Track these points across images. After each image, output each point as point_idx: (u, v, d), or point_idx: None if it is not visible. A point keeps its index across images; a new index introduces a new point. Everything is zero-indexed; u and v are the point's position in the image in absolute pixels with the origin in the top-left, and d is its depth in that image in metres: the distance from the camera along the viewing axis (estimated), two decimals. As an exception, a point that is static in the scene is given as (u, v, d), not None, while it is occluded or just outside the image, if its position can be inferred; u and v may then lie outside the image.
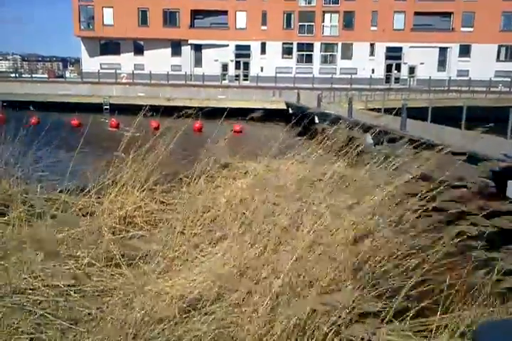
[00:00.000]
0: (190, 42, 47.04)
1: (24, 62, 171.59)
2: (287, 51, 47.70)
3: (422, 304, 3.87)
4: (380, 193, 6.16)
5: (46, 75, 54.03)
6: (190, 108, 9.27)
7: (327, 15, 47.13)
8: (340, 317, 3.76)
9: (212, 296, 3.99)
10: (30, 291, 4.34)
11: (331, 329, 3.61)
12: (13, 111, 9.07)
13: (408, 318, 3.81)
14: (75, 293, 4.44)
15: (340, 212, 5.24)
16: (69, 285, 4.53)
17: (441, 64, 47.04)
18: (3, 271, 4.47)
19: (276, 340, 3.11)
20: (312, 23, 46.87)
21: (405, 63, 47.41)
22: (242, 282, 3.96)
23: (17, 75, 52.72)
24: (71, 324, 3.91)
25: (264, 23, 46.60)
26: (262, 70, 46.52)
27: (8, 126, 8.80)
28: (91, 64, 47.28)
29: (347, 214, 5.06)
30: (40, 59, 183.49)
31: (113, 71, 43.42)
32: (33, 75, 55.33)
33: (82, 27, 47.98)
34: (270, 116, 13.58)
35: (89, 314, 4.11)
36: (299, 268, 3.75)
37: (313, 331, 3.52)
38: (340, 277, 3.78)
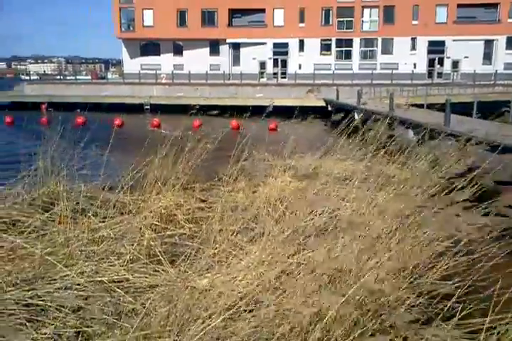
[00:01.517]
0: (228, 41, 47.30)
1: (68, 65, 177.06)
2: (326, 47, 47.25)
3: (471, 305, 3.75)
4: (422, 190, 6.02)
5: (89, 77, 55.52)
6: (228, 107, 9.32)
7: (366, 10, 46.39)
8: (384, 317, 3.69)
9: (253, 295, 3.99)
10: (77, 287, 4.45)
11: (379, 329, 3.54)
12: (57, 112, 9.38)
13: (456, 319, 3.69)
14: (119, 288, 4.54)
15: (382, 210, 5.15)
16: (113, 282, 4.63)
17: (487, 57, 45.46)
18: (51, 267, 4.60)
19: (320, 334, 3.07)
20: (351, 19, 46.24)
21: (448, 57, 46.10)
22: (280, 280, 3.94)
23: (61, 77, 54.41)
24: (116, 319, 4.00)
25: (302, 20, 46.31)
26: (300, 67, 46.28)
27: (53, 127, 9.08)
28: (132, 65, 48.28)
29: (389, 211, 4.96)
30: (83, 61, 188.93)
31: (153, 72, 44.18)
32: (77, 77, 56.98)
33: (122, 29, 49.04)
34: (309, 113, 13.47)
35: (133, 309, 4.19)
36: (337, 265, 3.70)
37: (363, 330, 3.46)
38: (384, 276, 3.70)
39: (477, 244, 4.57)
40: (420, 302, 4.01)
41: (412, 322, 3.76)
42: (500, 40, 44.79)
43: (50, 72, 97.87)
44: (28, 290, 4.22)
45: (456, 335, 3.66)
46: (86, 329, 3.85)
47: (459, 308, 3.72)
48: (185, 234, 6.21)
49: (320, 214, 5.97)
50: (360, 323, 3.41)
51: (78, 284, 4.45)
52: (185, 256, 5.22)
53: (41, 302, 4.12)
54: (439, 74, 45.77)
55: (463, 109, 16.76)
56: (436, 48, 45.67)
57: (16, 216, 6.36)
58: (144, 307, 4.05)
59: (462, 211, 4.84)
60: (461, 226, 3.99)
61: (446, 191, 5.80)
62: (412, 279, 4.23)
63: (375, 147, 8.82)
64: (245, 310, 3.75)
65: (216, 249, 5.36)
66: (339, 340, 3.37)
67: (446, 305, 3.74)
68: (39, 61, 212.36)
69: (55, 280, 4.46)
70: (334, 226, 5.41)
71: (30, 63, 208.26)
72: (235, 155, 8.98)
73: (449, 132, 11.87)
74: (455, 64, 46.03)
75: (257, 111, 10.28)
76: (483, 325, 3.45)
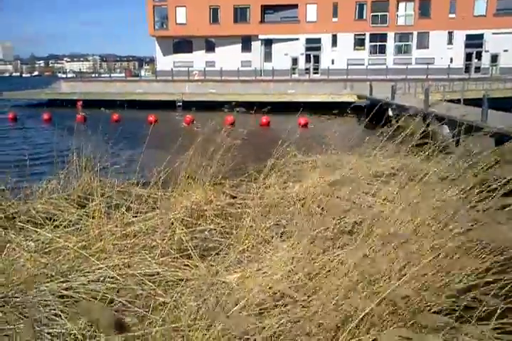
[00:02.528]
0: (260, 37, 47.25)
1: (103, 63, 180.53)
2: (359, 42, 46.64)
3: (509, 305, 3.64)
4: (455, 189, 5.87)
5: (123, 74, 56.47)
6: (259, 103, 9.32)
7: (401, 4, 45.54)
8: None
9: (282, 292, 3.98)
10: (109, 280, 4.54)
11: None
12: (92, 109, 9.62)
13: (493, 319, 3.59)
14: (150, 282, 4.61)
15: (415, 208, 5.05)
16: (144, 275, 4.70)
17: (528, 50, 43.96)
18: (84, 260, 4.71)
19: (349, 335, 3.04)
20: (386, 13, 45.47)
21: (487, 51, 44.77)
22: (310, 277, 3.92)
23: (96, 75, 55.50)
24: (146, 311, 4.06)
25: (335, 14, 45.83)
26: (332, 63, 45.84)
27: (89, 124, 9.28)
28: (165, 62, 48.83)
29: (421, 209, 4.85)
30: (117, 59, 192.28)
31: (186, 69, 44.57)
32: (111, 75, 58.01)
33: (156, 27, 49.63)
34: (341, 109, 13.31)
35: (163, 303, 4.24)
36: (368, 265, 3.64)
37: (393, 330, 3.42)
38: (415, 274, 3.63)
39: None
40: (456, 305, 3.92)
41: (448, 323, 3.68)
42: (542, 33, 43.22)
43: (85, 70, 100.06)
44: (63, 282, 4.34)
45: (492, 336, 3.56)
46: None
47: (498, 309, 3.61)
48: (215, 229, 6.24)
49: (353, 213, 5.90)
50: (389, 325, 3.36)
51: (111, 277, 4.54)
52: (215, 251, 5.26)
53: (75, 294, 4.23)
54: (477, 69, 44.53)
55: (502, 104, 16.27)
56: (474, 42, 44.43)
57: (52, 210, 6.54)
58: (174, 301, 4.10)
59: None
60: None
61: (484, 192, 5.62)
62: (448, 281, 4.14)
63: (409, 144, 8.65)
64: (275, 306, 3.75)
65: (246, 244, 5.37)
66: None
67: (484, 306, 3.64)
68: (75, 59, 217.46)
69: (88, 272, 4.57)
70: (368, 225, 5.33)
71: (67, 61, 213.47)
72: (266, 151, 8.98)
73: (486, 129, 11.55)
74: (494, 58, 44.67)
75: (289, 107, 10.21)
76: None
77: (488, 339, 3.47)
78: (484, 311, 3.69)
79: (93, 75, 57.02)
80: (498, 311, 3.51)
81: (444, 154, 8.25)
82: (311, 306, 3.46)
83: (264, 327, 3.33)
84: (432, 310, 3.70)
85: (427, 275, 3.79)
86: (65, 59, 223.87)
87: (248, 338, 3.18)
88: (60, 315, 3.86)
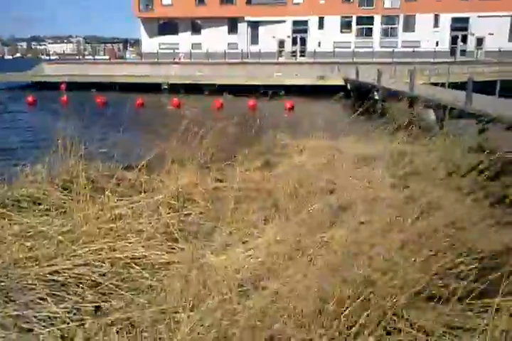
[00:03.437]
0: (246, 19, 46.68)
1: (87, 45, 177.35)
2: (346, 25, 46.36)
3: (485, 286, 3.74)
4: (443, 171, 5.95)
5: (108, 57, 55.58)
6: (246, 86, 9.27)
7: (388, -13, 45.23)
8: (396, 296, 3.70)
9: (266, 272, 4.03)
10: (96, 263, 4.55)
11: (389, 308, 3.56)
12: (76, 92, 9.44)
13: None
14: (136, 265, 4.62)
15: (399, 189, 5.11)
16: (131, 258, 4.72)
17: (513, 34, 44.07)
18: (70, 244, 4.71)
19: (330, 319, 3.10)
20: (372, -5, 45.17)
21: (472, 34, 44.82)
22: (295, 259, 3.97)
23: (80, 57, 54.58)
24: (133, 294, 4.09)
25: (322, -4, 45.40)
26: (319, 46, 45.57)
27: (73, 107, 9.16)
28: (150, 44, 48.11)
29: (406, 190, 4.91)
30: (101, 41, 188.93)
31: (171, 51, 43.99)
32: (96, 57, 57.08)
33: (141, 8, 48.71)
34: (327, 92, 13.30)
35: (150, 285, 4.27)
36: (353, 245, 3.70)
37: (371, 309, 3.48)
38: (397, 255, 3.70)
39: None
40: (433, 282, 4.01)
41: (425, 301, 3.77)
42: (528, 16, 43.33)
43: (69, 52, 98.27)
44: (49, 266, 4.33)
45: (468, 315, 3.67)
46: (104, 304, 3.95)
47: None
48: (201, 212, 6.26)
49: (338, 195, 5.96)
50: (371, 302, 3.43)
51: (97, 261, 4.55)
52: (202, 234, 5.29)
53: (61, 278, 4.23)
54: (463, 52, 44.62)
55: (486, 88, 16.36)
56: (460, 25, 44.43)
57: (37, 194, 6.48)
58: (161, 284, 4.13)
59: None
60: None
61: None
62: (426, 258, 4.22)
63: (395, 127, 8.72)
64: (257, 288, 3.80)
65: (232, 227, 5.40)
66: (353, 316, 3.40)
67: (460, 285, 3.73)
68: (58, 41, 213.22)
69: (74, 256, 4.57)
70: (352, 206, 5.38)
71: (50, 43, 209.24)
72: (252, 135, 8.97)
73: (470, 112, 11.65)
74: (479, 41, 44.76)
75: (276, 90, 10.16)
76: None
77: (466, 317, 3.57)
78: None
79: (77, 57, 55.97)
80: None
81: (429, 137, 8.34)
82: (295, 287, 3.51)
83: (248, 307, 3.37)
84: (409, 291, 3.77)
85: (408, 257, 3.86)
86: (47, 40, 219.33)
87: (232, 318, 3.22)
88: (46, 299, 3.87)
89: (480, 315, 3.74)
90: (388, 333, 3.58)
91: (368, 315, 3.29)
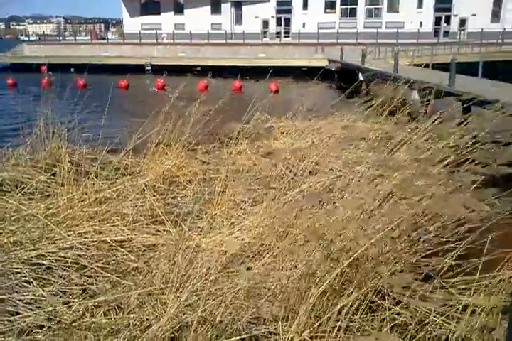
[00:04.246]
0: (230, -2, 45.97)
1: (67, 25, 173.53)
2: (330, 5, 45.88)
3: (467, 263, 3.83)
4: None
5: (89, 37, 54.47)
6: (230, 67, 9.17)
7: (373, -34, 44.75)
8: (382, 273, 3.76)
9: (252, 253, 4.07)
10: (81, 247, 4.54)
11: (373, 286, 3.63)
12: (57, 73, 9.25)
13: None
14: (122, 248, 4.63)
15: (384, 170, 5.14)
16: (116, 241, 4.72)
17: (495, 15, 44.11)
18: (55, 228, 4.68)
19: (313, 298, 3.15)
20: (357, -25, 44.69)
21: (455, 15, 44.73)
22: (280, 241, 4.00)
23: (61, 38, 53.40)
24: (119, 277, 4.10)
25: (306, -24, 44.79)
26: (303, 26, 45.13)
27: (54, 89, 9.00)
28: (132, 25, 47.16)
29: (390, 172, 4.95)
30: (82, 21, 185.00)
31: (154, 31, 43.23)
32: (77, 38, 55.88)
33: (122, -14, 47.62)
34: (312, 73, 13.23)
35: (136, 268, 4.29)
36: (340, 228, 3.74)
37: (353, 287, 3.54)
38: (384, 236, 3.75)
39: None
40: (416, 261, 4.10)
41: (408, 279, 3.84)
42: (510, -3, 43.34)
43: (49, 33, 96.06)
44: (33, 250, 4.32)
45: (447, 292, 3.76)
46: (90, 286, 3.96)
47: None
48: (187, 195, 6.26)
49: (323, 176, 5.99)
50: (355, 280, 3.48)
51: (82, 244, 4.54)
52: (188, 216, 5.30)
53: (46, 261, 4.22)
54: (446, 33, 44.57)
55: (469, 69, 16.44)
56: (444, 6, 44.26)
57: (20, 177, 6.41)
58: (147, 266, 4.15)
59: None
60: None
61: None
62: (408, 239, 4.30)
63: (379, 108, 8.73)
64: (243, 268, 3.84)
65: (218, 209, 5.42)
66: (334, 295, 3.46)
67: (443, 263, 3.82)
68: (38, 21, 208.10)
69: (59, 239, 4.55)
70: (338, 187, 5.41)
71: (29, 23, 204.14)
72: (237, 117, 8.93)
73: (453, 92, 11.73)
74: (462, 22, 44.71)
75: (260, 71, 10.08)
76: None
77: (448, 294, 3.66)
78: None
79: (57, 38, 54.68)
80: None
81: (413, 118, 8.38)
82: (280, 267, 3.55)
83: (231, 287, 3.41)
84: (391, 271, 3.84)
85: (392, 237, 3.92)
86: (27, 21, 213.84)
87: (217, 297, 3.26)
88: (32, 282, 3.86)
89: (461, 291, 3.83)
90: (372, 310, 3.66)
91: (351, 293, 3.35)
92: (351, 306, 3.40)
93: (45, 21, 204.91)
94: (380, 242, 3.60)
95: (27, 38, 63.47)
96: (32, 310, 3.60)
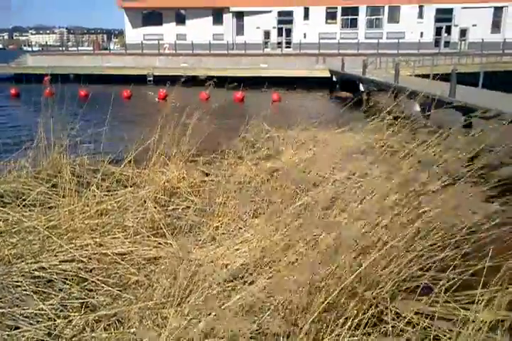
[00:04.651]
0: (231, 9, 46.31)
1: (70, 35, 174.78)
2: (331, 16, 46.21)
3: (469, 276, 3.80)
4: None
5: (91, 48, 54.85)
6: (231, 78, 9.25)
7: (373, -23, 45.15)
8: (383, 288, 3.74)
9: (255, 266, 4.04)
10: (82, 259, 4.52)
11: (375, 300, 3.60)
12: (60, 83, 9.31)
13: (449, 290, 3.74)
14: (123, 261, 4.60)
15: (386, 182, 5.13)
16: (117, 254, 4.69)
17: (496, 25, 44.37)
18: (56, 240, 4.67)
19: (316, 313, 3.13)
20: (357, -14, 45.07)
21: (456, 25, 45.02)
22: (283, 253, 3.98)
23: (63, 48, 53.78)
24: (120, 290, 4.08)
25: (307, -13, 45.18)
26: (305, 37, 45.42)
27: (57, 99, 9.02)
28: (134, 35, 47.53)
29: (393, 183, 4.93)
30: (85, 31, 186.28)
31: (156, 42, 43.54)
32: (79, 48, 56.28)
33: (124, -2, 48.03)
34: (313, 84, 13.30)
35: (137, 281, 4.27)
36: (342, 240, 3.72)
37: (357, 302, 3.52)
38: (384, 249, 3.73)
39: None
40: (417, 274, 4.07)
41: (408, 293, 3.82)
42: (510, 7, 43.57)
43: (52, 43, 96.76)
44: (34, 263, 4.30)
45: (450, 307, 3.73)
46: (91, 300, 3.94)
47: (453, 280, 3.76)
48: (188, 207, 6.24)
49: (324, 188, 5.97)
50: (358, 294, 3.46)
51: (83, 256, 4.52)
52: (189, 228, 5.28)
53: (47, 274, 4.20)
54: (446, 44, 44.83)
55: (470, 79, 16.49)
56: (444, 16, 44.56)
57: (21, 189, 6.41)
58: (148, 279, 4.13)
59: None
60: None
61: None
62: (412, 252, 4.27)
63: (380, 119, 8.73)
64: (245, 282, 3.82)
65: (219, 222, 5.40)
66: (336, 310, 3.43)
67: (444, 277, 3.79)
68: (41, 32, 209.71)
69: (60, 252, 4.53)
70: (340, 199, 5.40)
71: (32, 34, 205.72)
72: (239, 127, 8.94)
73: (453, 103, 11.74)
74: (463, 32, 44.98)
75: (262, 82, 10.11)
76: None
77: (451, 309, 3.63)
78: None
79: (60, 49, 55.09)
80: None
81: (415, 129, 8.37)
82: (283, 281, 3.53)
83: (234, 302, 3.39)
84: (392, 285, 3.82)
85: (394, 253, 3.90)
86: (30, 31, 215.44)
87: (218, 313, 3.23)
88: (32, 296, 3.84)
89: (464, 306, 3.80)
90: (374, 325, 3.63)
91: (354, 308, 3.33)
92: (353, 320, 3.38)
93: (48, 32, 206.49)
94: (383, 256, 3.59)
95: (30, 49, 64.03)
96: (32, 324, 3.57)
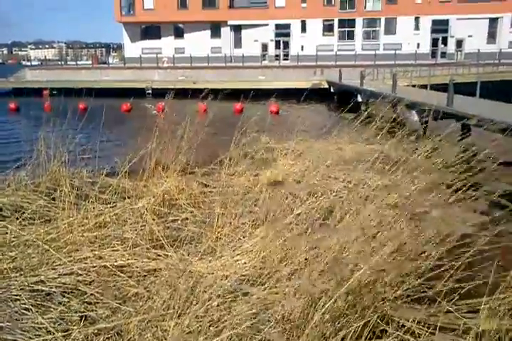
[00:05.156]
0: (229, 23, 46.69)
1: (69, 50, 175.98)
2: (328, 28, 46.60)
3: (470, 286, 3.78)
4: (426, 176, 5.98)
5: (90, 62, 55.18)
6: (230, 90, 9.31)
7: (369, -11, 45.62)
8: (385, 298, 3.72)
9: (255, 278, 4.02)
10: (81, 272, 4.50)
11: (377, 310, 3.58)
12: (59, 98, 9.36)
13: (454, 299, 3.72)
14: (122, 273, 4.58)
15: (384, 192, 5.13)
16: (116, 266, 4.67)
17: (491, 36, 44.76)
18: (55, 253, 4.65)
19: (317, 323, 3.10)
20: (354, -2, 45.52)
21: (452, 36, 45.39)
22: (283, 264, 3.96)
23: (62, 63, 54.08)
24: (119, 303, 4.05)
25: (303, 0, 45.61)
26: (302, 49, 45.76)
27: (56, 113, 9.05)
28: (133, 49, 47.86)
29: (391, 193, 4.94)
30: (84, 46, 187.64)
31: (154, 55, 43.82)
32: (78, 62, 56.59)
33: (123, 12, 48.40)
34: (311, 95, 13.35)
35: (136, 294, 4.23)
36: (341, 250, 3.71)
37: (357, 313, 3.50)
38: (384, 259, 3.71)
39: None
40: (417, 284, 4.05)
41: (409, 303, 3.80)
42: (505, 18, 44.00)
43: (51, 58, 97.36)
44: (33, 276, 4.27)
45: (452, 316, 3.70)
46: (90, 313, 3.90)
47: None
48: (188, 218, 6.23)
49: (323, 198, 5.97)
50: (358, 305, 3.44)
51: (82, 269, 4.50)
52: (188, 240, 5.26)
53: (46, 287, 4.17)
54: (443, 54, 45.15)
55: (467, 89, 16.56)
56: (440, 27, 44.96)
57: (20, 202, 6.40)
58: (147, 291, 4.10)
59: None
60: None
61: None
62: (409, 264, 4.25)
63: (379, 130, 8.76)
64: (246, 294, 3.79)
65: (218, 232, 5.39)
66: (340, 321, 3.40)
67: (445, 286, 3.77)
68: (40, 46, 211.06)
69: (59, 265, 4.51)
70: (338, 209, 5.39)
71: (31, 49, 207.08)
72: (237, 138, 8.95)
73: (452, 113, 11.80)
74: (459, 43, 45.35)
75: (260, 94, 10.14)
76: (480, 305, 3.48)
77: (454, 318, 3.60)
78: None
79: (59, 63, 55.38)
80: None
81: (414, 139, 8.40)
82: (283, 292, 3.51)
83: (235, 314, 3.36)
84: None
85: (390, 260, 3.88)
86: (29, 46, 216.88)
87: (218, 325, 3.21)
88: (31, 309, 3.81)
89: (465, 315, 3.77)
90: (376, 336, 3.60)
91: (355, 318, 3.30)
92: (355, 332, 3.35)
93: (47, 46, 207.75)
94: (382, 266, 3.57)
95: (29, 63, 64.34)
96: (31, 338, 3.54)
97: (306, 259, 3.85)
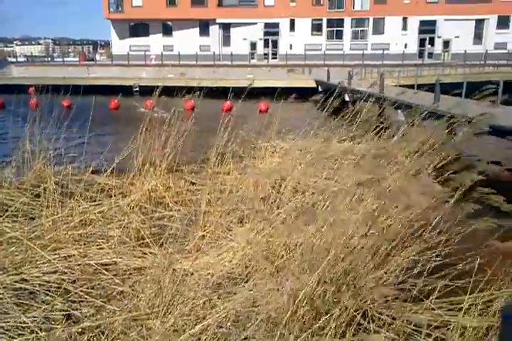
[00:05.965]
0: (218, 21, 46.60)
1: (56, 46, 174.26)
2: (317, 28, 46.73)
3: (451, 283, 3.81)
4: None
5: (77, 59, 54.70)
6: (218, 88, 9.28)
7: (358, -11, 45.83)
8: (368, 296, 3.73)
9: (240, 275, 4.02)
10: (65, 270, 4.46)
11: (357, 309, 3.59)
12: (45, 94, 9.24)
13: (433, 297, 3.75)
14: (107, 271, 4.55)
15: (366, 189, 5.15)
16: (101, 265, 4.64)
17: (478, 37, 45.24)
18: (38, 251, 4.60)
19: (300, 320, 3.11)
20: (342, -2, 45.70)
21: (439, 37, 45.79)
22: (268, 261, 3.97)
23: (49, 59, 53.54)
24: (104, 302, 4.02)
25: (292, -1, 45.71)
26: (291, 48, 45.83)
27: (42, 110, 8.96)
28: (121, 46, 47.53)
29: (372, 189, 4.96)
30: (71, 42, 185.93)
31: (142, 53, 43.59)
32: (65, 59, 56.06)
33: (111, 9, 48.05)
34: (299, 94, 13.37)
35: (121, 292, 4.21)
36: (324, 247, 3.73)
37: (340, 311, 3.51)
38: (362, 255, 3.73)
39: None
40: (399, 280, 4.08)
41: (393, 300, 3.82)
42: (491, 20, 44.51)
43: (37, 54, 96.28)
44: (16, 274, 4.22)
45: (435, 313, 3.73)
46: (74, 312, 3.87)
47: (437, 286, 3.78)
48: (173, 216, 6.21)
49: (307, 194, 5.99)
50: (341, 303, 3.45)
51: (66, 268, 4.46)
52: (174, 238, 5.24)
53: (29, 286, 4.13)
54: (430, 55, 45.54)
55: (453, 89, 16.70)
56: (428, 28, 45.33)
57: (4, 200, 6.32)
58: (132, 290, 4.08)
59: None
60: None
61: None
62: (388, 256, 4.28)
63: (365, 128, 8.81)
64: (229, 293, 3.79)
65: (205, 230, 5.37)
66: (320, 316, 3.42)
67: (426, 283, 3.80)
68: (26, 43, 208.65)
69: (43, 263, 4.47)
70: (322, 205, 5.41)
71: (17, 45, 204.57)
72: (225, 137, 8.93)
73: (437, 112, 11.89)
74: (446, 44, 45.75)
75: (249, 92, 10.16)
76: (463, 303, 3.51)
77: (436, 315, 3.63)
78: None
79: (46, 59, 54.83)
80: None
81: (398, 138, 8.45)
82: (267, 290, 3.51)
83: (220, 310, 3.36)
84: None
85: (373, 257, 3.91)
86: (15, 42, 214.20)
87: (203, 323, 3.21)
88: (14, 308, 3.77)
89: (449, 312, 3.81)
90: (359, 333, 3.62)
91: (338, 316, 3.32)
92: (339, 328, 3.36)
93: (33, 42, 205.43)
94: (366, 261, 3.59)
95: (15, 59, 63.54)
96: (13, 337, 3.50)
97: (289, 253, 3.86)
